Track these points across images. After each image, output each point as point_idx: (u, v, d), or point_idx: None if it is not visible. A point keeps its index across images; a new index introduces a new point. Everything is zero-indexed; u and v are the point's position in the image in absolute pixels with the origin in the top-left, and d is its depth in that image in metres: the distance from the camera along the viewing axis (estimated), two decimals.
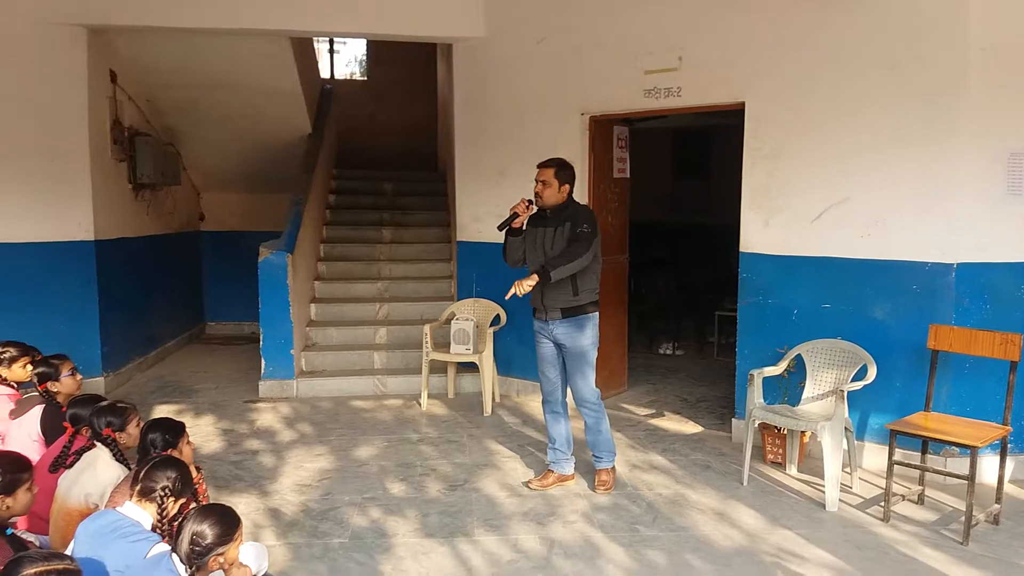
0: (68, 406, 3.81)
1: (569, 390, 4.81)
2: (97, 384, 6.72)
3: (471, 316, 6.68)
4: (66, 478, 3.38)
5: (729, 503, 4.55)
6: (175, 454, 3.37)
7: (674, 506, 4.52)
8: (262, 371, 6.93)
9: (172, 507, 2.82)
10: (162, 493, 2.79)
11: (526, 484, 4.84)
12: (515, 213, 4.62)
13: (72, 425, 3.66)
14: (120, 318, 7.29)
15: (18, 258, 6.68)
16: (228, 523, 2.63)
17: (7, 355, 4.54)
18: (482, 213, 7.01)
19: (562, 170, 4.59)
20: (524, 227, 4.68)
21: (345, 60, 14.48)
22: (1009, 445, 4.39)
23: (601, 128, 6.37)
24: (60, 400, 4.21)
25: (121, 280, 7.33)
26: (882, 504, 4.36)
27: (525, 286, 4.38)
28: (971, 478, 4.01)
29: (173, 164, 8.39)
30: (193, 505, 2.88)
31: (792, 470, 5.03)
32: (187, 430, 3.55)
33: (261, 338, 6.94)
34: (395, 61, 11.92)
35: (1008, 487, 4.60)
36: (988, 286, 4.76)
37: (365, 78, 13.27)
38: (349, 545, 4.01)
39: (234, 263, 9.31)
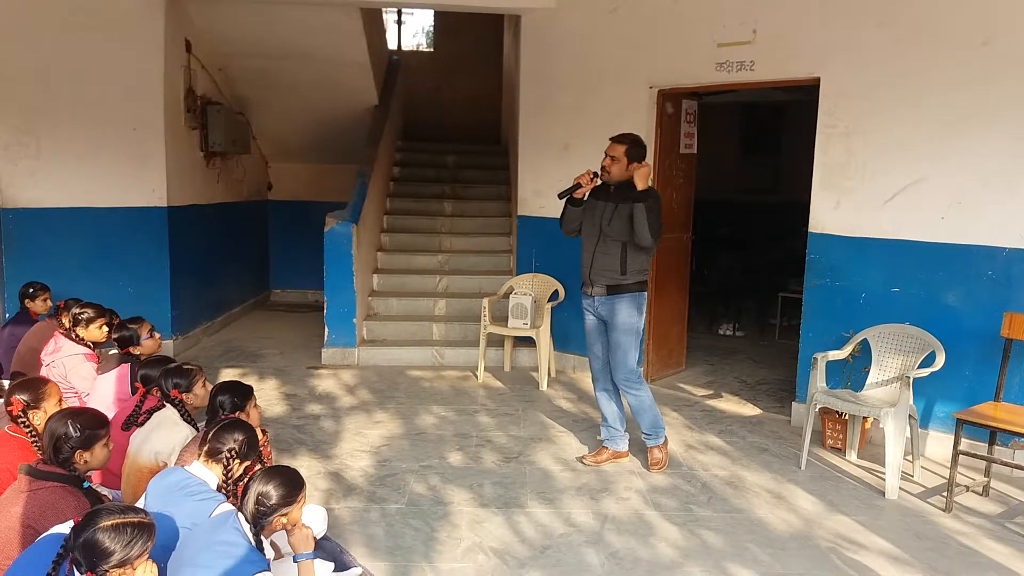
0: (140, 367, 3.96)
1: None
2: (166, 346, 6.94)
3: (529, 291, 6.70)
4: (137, 436, 3.52)
5: (786, 487, 4.50)
6: (243, 416, 3.48)
7: (730, 487, 4.49)
8: (325, 338, 7.08)
9: (237, 468, 2.91)
10: (228, 455, 2.89)
11: (580, 459, 4.86)
12: (578, 183, 4.60)
13: (143, 385, 3.81)
14: (189, 283, 7.52)
15: (97, 222, 6.93)
16: (293, 485, 2.71)
17: (85, 315, 4.73)
18: (544, 188, 6.99)
19: (634, 148, 4.55)
20: (585, 198, 4.65)
21: (412, 31, 14.54)
22: None
23: (670, 102, 6.28)
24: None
25: (191, 246, 7.55)
26: (944, 494, 4.26)
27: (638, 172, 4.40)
28: None
29: (243, 133, 8.56)
30: (259, 467, 2.98)
31: (852, 456, 4.94)
32: (254, 393, 3.65)
33: (325, 306, 7.08)
34: (461, 32, 11.89)
35: None
36: None
37: (431, 50, 13.29)
38: (406, 511, 4.10)
39: (300, 232, 9.51)
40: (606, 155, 4.58)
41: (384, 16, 10.20)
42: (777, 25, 5.47)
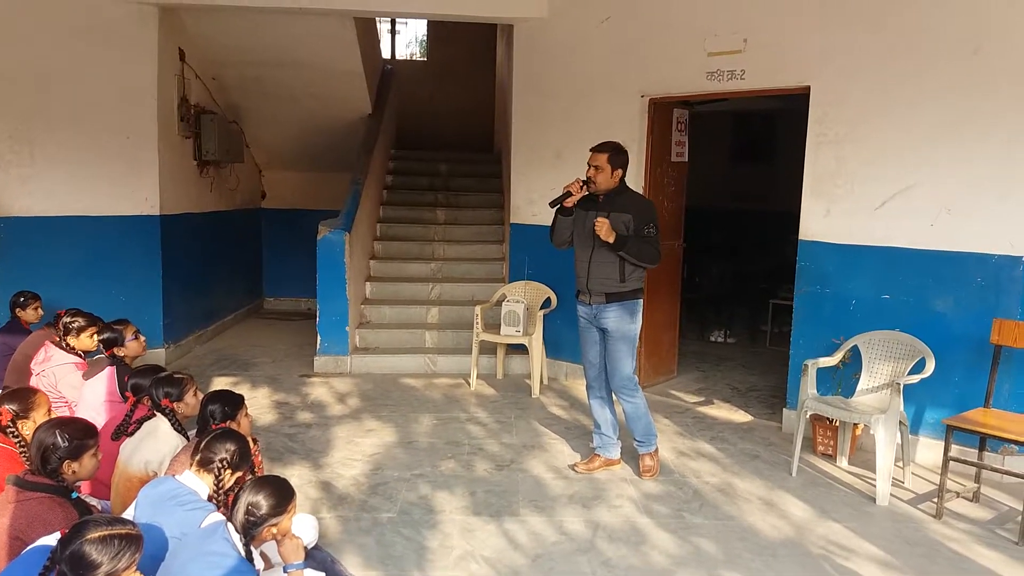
0: (130, 376, 3.95)
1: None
2: (158, 355, 6.94)
3: (522, 298, 6.71)
4: (127, 446, 3.51)
5: (777, 493, 4.51)
6: (233, 426, 3.48)
7: (721, 494, 4.50)
8: (317, 346, 7.07)
9: (228, 478, 2.91)
10: (220, 465, 2.89)
11: (572, 467, 4.86)
12: (568, 192, 4.58)
13: (133, 394, 3.80)
14: (182, 291, 7.51)
15: (90, 231, 6.91)
16: (283, 495, 2.71)
17: (75, 324, 4.72)
18: (536, 196, 7.01)
19: (616, 155, 4.55)
20: (575, 208, 4.66)
21: (406, 40, 14.60)
22: None
23: (660, 110, 6.31)
24: (128, 363, 4.40)
25: (184, 254, 7.55)
26: (935, 500, 4.27)
27: (602, 228, 4.37)
28: None
29: (237, 142, 8.57)
30: (249, 476, 2.98)
31: (843, 462, 4.96)
32: (245, 402, 3.65)
33: (317, 314, 7.08)
34: (455, 42, 11.94)
35: None
36: None
37: (425, 59, 13.33)
38: (397, 520, 4.09)
39: (293, 240, 9.52)
40: (589, 165, 4.58)
41: (378, 25, 10.22)
42: (767, 34, 5.50)
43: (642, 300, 4.67)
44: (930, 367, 4.51)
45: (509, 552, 3.78)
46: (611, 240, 4.40)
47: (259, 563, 2.68)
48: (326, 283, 7.05)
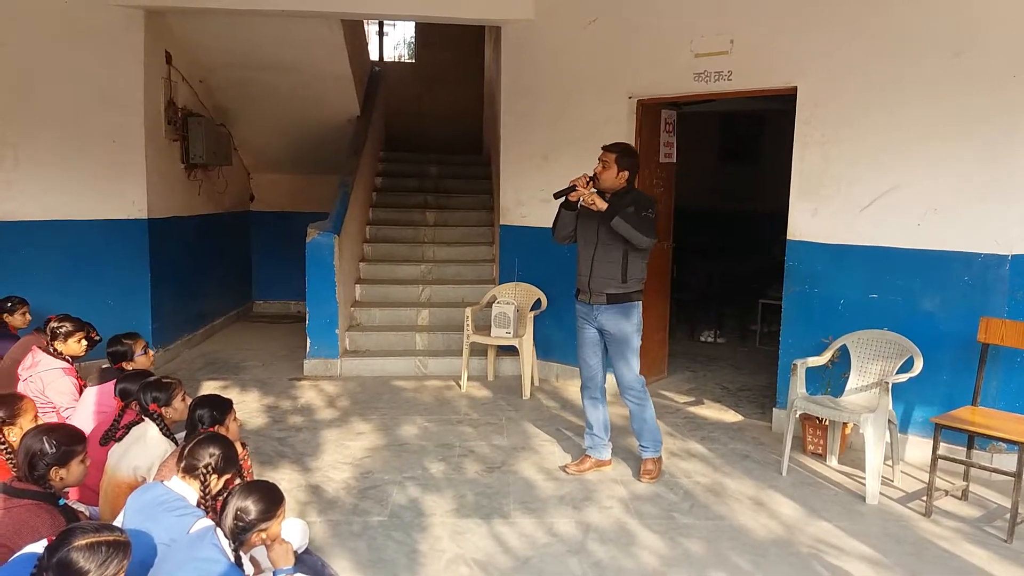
0: (118, 381, 3.93)
1: (612, 377, 4.79)
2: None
3: (512, 300, 6.71)
4: (115, 451, 3.49)
5: (767, 493, 4.53)
6: (221, 430, 3.46)
7: (711, 495, 4.51)
8: (307, 350, 7.06)
9: (215, 483, 2.90)
10: (205, 470, 2.87)
11: (563, 468, 4.87)
12: (573, 186, 4.57)
13: (122, 400, 3.78)
14: (170, 295, 7.48)
15: (76, 235, 6.86)
16: (271, 500, 2.69)
17: (63, 329, 4.69)
18: (525, 197, 7.02)
19: (624, 156, 4.56)
20: (580, 203, 4.63)
21: (394, 42, 14.57)
22: None
23: (649, 112, 6.32)
24: None
25: (172, 258, 7.51)
26: (924, 499, 4.29)
27: (596, 199, 4.38)
28: (1018, 475, 3.93)
29: (224, 145, 8.54)
30: (238, 481, 2.97)
31: (833, 461, 4.98)
32: (233, 406, 3.64)
33: (307, 317, 7.06)
34: (443, 44, 11.94)
35: None
36: None
37: (413, 61, 13.32)
38: (388, 523, 4.09)
39: (282, 243, 9.49)
40: (599, 160, 4.59)
41: (366, 27, 10.21)
42: (754, 36, 5.52)
43: (641, 302, 4.67)
44: (918, 366, 4.53)
45: (499, 554, 3.78)
46: (603, 207, 4.38)
47: (249, 568, 2.66)
48: (315, 286, 7.03)
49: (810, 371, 4.95)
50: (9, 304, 5.54)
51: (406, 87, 11.97)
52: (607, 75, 6.35)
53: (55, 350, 4.65)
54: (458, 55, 11.90)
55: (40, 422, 3.49)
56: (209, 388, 6.43)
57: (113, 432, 3.64)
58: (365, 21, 10.00)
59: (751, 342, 8.40)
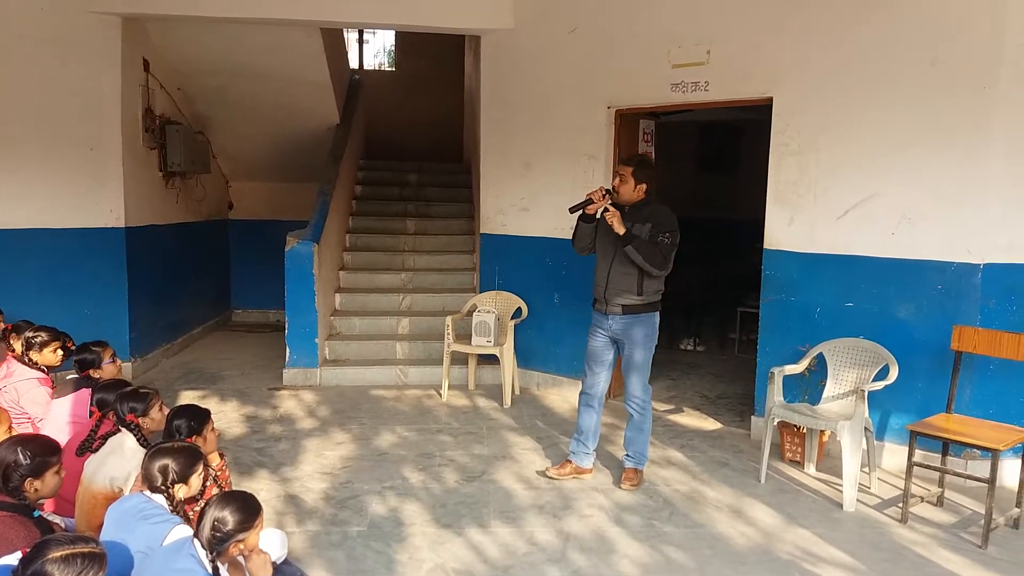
0: (95, 391, 3.89)
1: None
2: (124, 369, 6.81)
3: (493, 308, 6.72)
4: (92, 462, 3.46)
5: (746, 501, 4.55)
6: (199, 440, 3.45)
7: (691, 503, 4.53)
8: (286, 359, 7.02)
9: (181, 491, 2.90)
10: (164, 484, 2.87)
11: (543, 472, 4.87)
12: (589, 199, 4.61)
13: (99, 410, 3.74)
14: (148, 304, 7.41)
15: (52, 243, 6.81)
16: (249, 510, 2.68)
17: (38, 339, 4.64)
18: (506, 206, 7.04)
19: (640, 168, 4.60)
20: (598, 216, 4.66)
21: (374, 50, 14.55)
22: None
23: (627, 122, 6.36)
24: None
25: (150, 267, 7.45)
26: (900, 505, 4.34)
27: (615, 221, 4.43)
28: (992, 481, 3.98)
29: (203, 152, 8.49)
30: (215, 491, 2.95)
31: (810, 469, 5.01)
32: (211, 416, 3.62)
33: (286, 326, 7.02)
34: (423, 52, 11.95)
35: None
36: (1016, 287, 4.70)
37: (393, 69, 13.32)
38: (367, 533, 4.07)
39: (261, 251, 9.42)
40: (615, 175, 4.64)
41: (345, 35, 10.20)
42: (730, 46, 5.58)
43: (658, 313, 4.70)
44: (893, 374, 4.59)
45: (479, 564, 3.77)
46: (621, 231, 4.43)
47: None
48: (295, 295, 7.00)
49: (788, 379, 4.99)
50: None
51: (386, 95, 11.96)
52: (586, 85, 6.39)
53: (30, 360, 4.60)
54: (438, 63, 11.92)
55: (14, 433, 3.46)
56: (187, 398, 6.37)
57: (90, 443, 3.60)
58: (344, 29, 9.99)
59: (730, 350, 8.46)
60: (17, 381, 4.50)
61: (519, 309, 6.78)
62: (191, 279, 8.71)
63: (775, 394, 4.81)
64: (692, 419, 6.13)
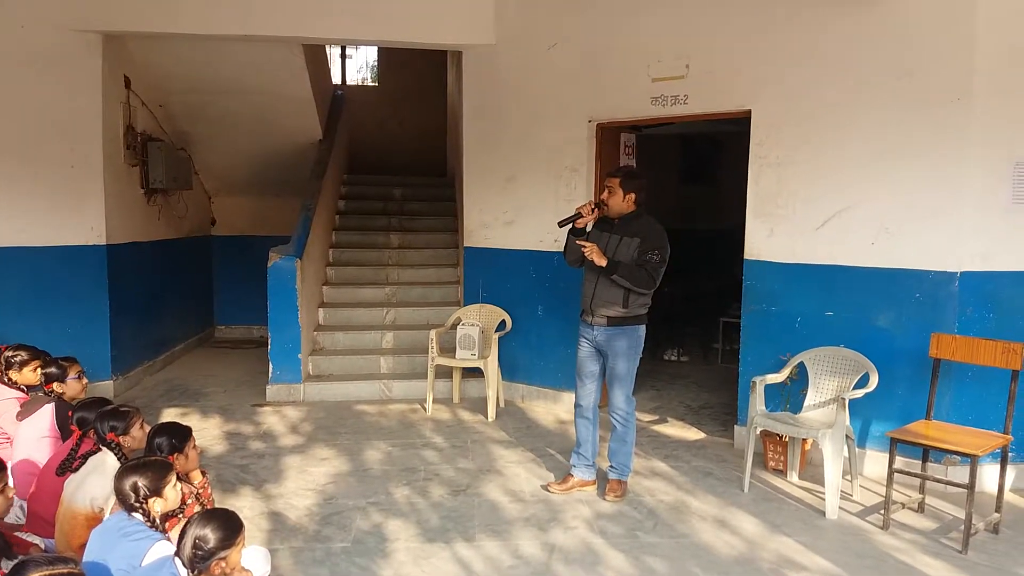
0: (74, 410, 3.87)
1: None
2: (106, 387, 6.79)
3: (477, 321, 6.73)
4: (72, 481, 3.43)
5: (730, 510, 4.57)
6: (181, 458, 3.44)
7: (675, 513, 4.54)
8: (269, 375, 6.99)
9: (157, 506, 2.90)
10: (138, 500, 2.87)
11: (545, 487, 4.87)
12: (579, 213, 4.65)
13: (79, 428, 3.72)
14: (130, 321, 7.37)
15: (32, 261, 6.76)
16: (230, 528, 2.67)
17: (18, 359, 4.61)
18: (490, 219, 7.06)
19: (628, 179, 4.63)
20: (588, 229, 4.69)
21: (356, 66, 14.57)
22: (1010, 454, 4.39)
23: (608, 135, 6.41)
24: (67, 401, 4.29)
25: (132, 284, 7.41)
26: (882, 512, 4.37)
27: (596, 256, 4.46)
28: (971, 487, 4.02)
29: (185, 169, 8.47)
30: (197, 509, 2.94)
31: (793, 477, 5.04)
32: (193, 434, 3.60)
33: (269, 342, 7.00)
34: (406, 67, 12.00)
35: (1008, 496, 4.59)
36: (992, 295, 4.77)
37: (376, 84, 13.35)
38: (351, 549, 4.06)
39: (244, 267, 9.40)
40: (604, 187, 4.67)
41: (328, 51, 10.22)
42: (709, 60, 5.64)
43: (644, 326, 4.73)
44: (873, 382, 4.63)
45: None
46: (602, 264, 4.46)
47: None
48: (277, 310, 6.98)
49: (769, 388, 5.02)
50: None
51: (370, 110, 11.99)
52: (567, 99, 6.43)
53: (10, 380, 4.56)
54: (421, 78, 11.96)
55: None
56: (169, 415, 6.34)
57: (70, 462, 3.57)
58: (327, 45, 10.01)
59: (713, 360, 8.50)
60: None
61: (503, 322, 6.79)
62: (173, 296, 8.67)
63: (757, 403, 4.84)
64: (676, 429, 6.15)
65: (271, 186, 9.60)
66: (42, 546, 3.33)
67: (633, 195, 4.62)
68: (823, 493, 4.57)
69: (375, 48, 12.95)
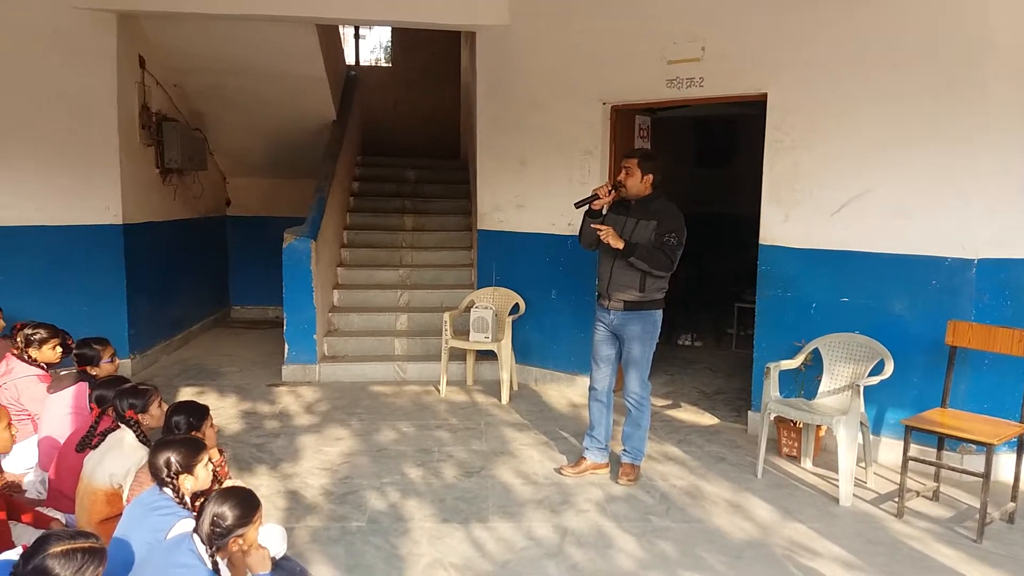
0: (94, 388, 3.91)
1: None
2: (124, 366, 6.84)
3: (490, 304, 6.74)
4: (91, 458, 3.47)
5: (743, 495, 4.58)
6: (198, 436, 3.47)
7: (688, 497, 4.55)
8: (285, 355, 7.03)
9: (188, 483, 2.93)
10: (169, 476, 2.91)
11: (558, 470, 4.89)
12: (595, 195, 4.62)
13: (98, 406, 3.76)
14: (147, 301, 7.42)
15: (50, 241, 6.82)
16: (248, 506, 2.70)
17: (37, 336, 4.66)
18: (503, 202, 7.05)
19: (645, 160, 4.61)
20: (605, 211, 4.68)
21: (370, 46, 14.50)
22: None
23: (622, 117, 6.38)
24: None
25: (148, 264, 7.46)
26: (896, 500, 4.36)
27: (612, 238, 4.46)
28: (986, 475, 4.00)
29: (200, 149, 8.50)
30: (216, 487, 2.97)
31: (807, 464, 5.04)
32: (210, 413, 3.63)
33: (285, 323, 7.04)
34: (420, 48, 11.95)
35: None
36: (1009, 282, 4.73)
37: (390, 65, 13.31)
38: (366, 528, 4.09)
39: (259, 248, 9.45)
40: (621, 168, 4.65)
41: (341, 31, 10.19)
42: (725, 43, 5.59)
43: (661, 311, 4.72)
44: (889, 369, 4.61)
45: (477, 559, 3.80)
46: (619, 246, 4.45)
47: (226, 574, 2.67)
48: (292, 291, 7.01)
49: (784, 374, 5.01)
50: None
51: (383, 91, 11.96)
52: (581, 81, 6.40)
53: (29, 357, 4.61)
54: (435, 59, 11.91)
55: (14, 430, 3.47)
56: (186, 394, 6.39)
57: (89, 439, 3.62)
58: (340, 25, 9.98)
59: (727, 345, 8.48)
60: (17, 378, 4.53)
61: (516, 305, 6.80)
62: (189, 276, 8.72)
63: (771, 389, 4.83)
64: (689, 414, 6.16)
65: (285, 167, 9.62)
66: (63, 521, 3.37)
67: (651, 176, 4.60)
68: (837, 480, 4.56)
69: (388, 28, 12.89)
